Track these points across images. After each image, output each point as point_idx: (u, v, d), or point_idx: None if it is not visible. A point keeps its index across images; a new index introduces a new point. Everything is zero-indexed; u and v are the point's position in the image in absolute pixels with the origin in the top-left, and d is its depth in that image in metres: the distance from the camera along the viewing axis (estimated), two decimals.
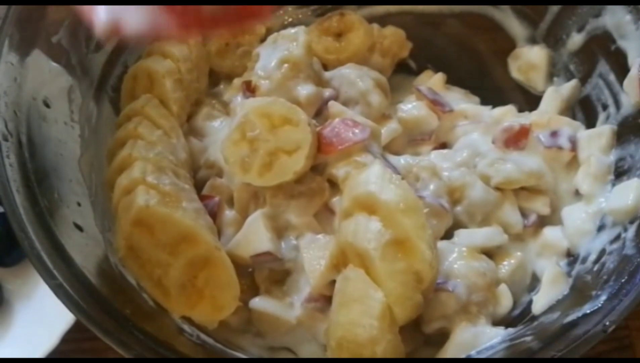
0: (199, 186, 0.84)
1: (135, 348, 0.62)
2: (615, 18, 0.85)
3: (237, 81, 0.91)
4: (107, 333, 0.62)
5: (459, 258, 0.75)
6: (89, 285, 0.66)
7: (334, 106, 0.83)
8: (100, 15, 0.45)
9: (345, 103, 0.86)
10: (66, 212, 0.73)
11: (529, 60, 0.96)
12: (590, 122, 0.88)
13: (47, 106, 0.77)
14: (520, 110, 0.91)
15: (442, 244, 0.77)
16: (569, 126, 0.86)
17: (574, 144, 0.85)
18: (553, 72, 0.96)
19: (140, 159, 0.76)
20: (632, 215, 0.75)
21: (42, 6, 0.77)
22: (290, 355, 0.77)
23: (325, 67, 0.93)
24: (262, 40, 0.94)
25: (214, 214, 0.80)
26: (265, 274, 0.78)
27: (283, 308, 0.76)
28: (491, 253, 0.80)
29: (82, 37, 0.83)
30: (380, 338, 0.66)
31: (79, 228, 0.73)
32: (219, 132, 0.88)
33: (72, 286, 0.64)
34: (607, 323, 0.64)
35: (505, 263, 0.80)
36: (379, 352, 0.66)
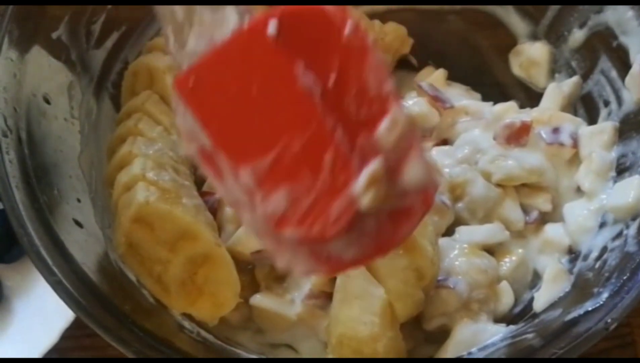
0: (199, 182, 0.83)
1: (134, 345, 0.62)
2: (617, 14, 0.84)
3: None
4: (107, 330, 0.62)
5: (460, 255, 0.75)
6: (88, 281, 0.66)
7: None
8: (279, 263, 0.56)
9: None
10: (66, 208, 0.73)
11: (531, 56, 0.96)
12: (591, 119, 0.88)
13: (47, 102, 0.77)
14: (522, 106, 0.90)
15: (443, 241, 0.77)
16: (570, 123, 0.86)
17: (575, 140, 0.84)
18: (554, 69, 0.95)
19: (141, 156, 0.76)
20: (634, 212, 0.75)
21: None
22: (290, 352, 0.77)
23: None
24: None
25: (215, 210, 0.80)
26: (266, 271, 0.78)
27: (284, 305, 0.76)
28: (492, 250, 0.80)
29: (82, 34, 0.83)
30: (381, 335, 0.66)
31: (79, 224, 0.73)
32: None
33: (71, 283, 0.64)
34: (609, 321, 0.63)
35: (506, 260, 0.80)
36: (380, 349, 0.66)
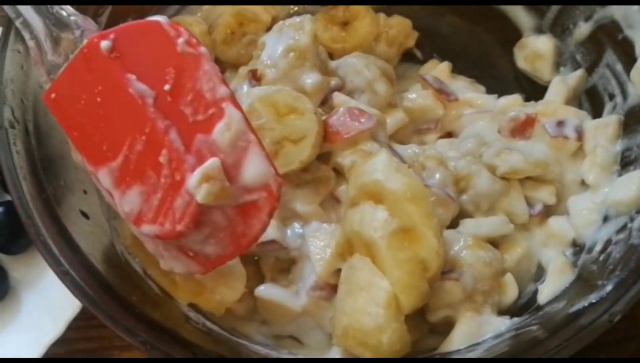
0: None
1: (141, 335, 0.62)
2: (622, 8, 0.84)
3: (242, 70, 0.90)
4: (113, 320, 0.63)
5: (464, 247, 0.75)
6: (95, 272, 0.66)
7: (338, 97, 0.83)
8: (163, 265, 0.67)
9: (351, 92, 0.86)
10: (72, 200, 0.73)
11: (536, 49, 0.96)
12: (596, 112, 0.88)
13: None
14: (527, 99, 0.91)
15: (447, 233, 0.77)
16: (575, 116, 0.86)
17: (580, 134, 0.84)
18: (559, 62, 0.96)
19: None
20: (637, 206, 0.75)
21: None
22: (295, 344, 0.77)
23: (331, 56, 0.93)
24: (268, 28, 0.94)
25: None
26: (271, 262, 0.78)
27: (288, 297, 0.76)
28: (497, 243, 0.80)
29: None
30: (385, 326, 0.66)
31: (85, 215, 0.73)
32: None
33: (78, 273, 0.64)
34: (613, 313, 0.64)
35: (511, 252, 0.80)
36: (385, 341, 0.66)
